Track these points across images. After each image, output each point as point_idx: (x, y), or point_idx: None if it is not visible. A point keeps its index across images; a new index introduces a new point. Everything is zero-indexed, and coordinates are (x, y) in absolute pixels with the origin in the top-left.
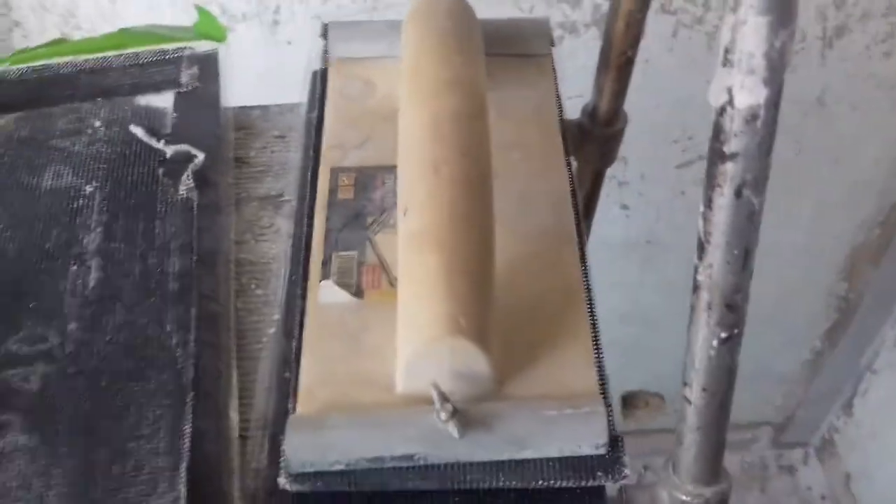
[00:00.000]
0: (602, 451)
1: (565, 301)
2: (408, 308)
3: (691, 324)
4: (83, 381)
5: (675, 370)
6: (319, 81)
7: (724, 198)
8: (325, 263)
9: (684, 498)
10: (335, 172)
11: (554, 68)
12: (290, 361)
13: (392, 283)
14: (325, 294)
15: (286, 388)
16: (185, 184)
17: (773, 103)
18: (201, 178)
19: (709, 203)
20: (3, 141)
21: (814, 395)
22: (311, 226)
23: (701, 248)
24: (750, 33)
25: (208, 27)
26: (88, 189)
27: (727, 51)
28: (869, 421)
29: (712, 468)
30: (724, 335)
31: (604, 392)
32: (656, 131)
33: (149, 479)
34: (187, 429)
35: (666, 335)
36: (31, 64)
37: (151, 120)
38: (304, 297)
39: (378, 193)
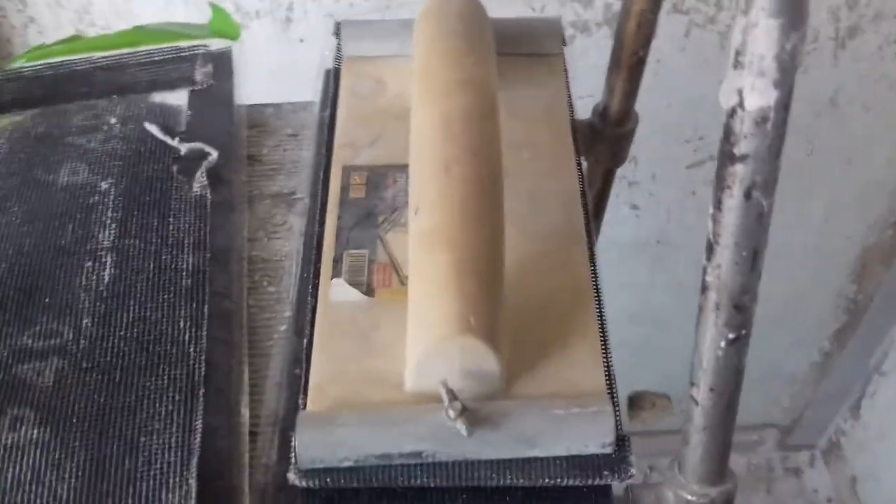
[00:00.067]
0: (609, 450)
1: (574, 301)
2: (418, 307)
3: (699, 324)
4: (96, 376)
5: (684, 371)
6: (332, 80)
7: (733, 199)
8: (337, 262)
9: (690, 497)
10: (347, 171)
11: (565, 68)
12: (300, 358)
13: (403, 281)
14: (337, 292)
15: (297, 385)
16: (199, 181)
17: (784, 105)
18: (215, 175)
19: (718, 204)
20: (19, 137)
21: (821, 397)
22: (322, 224)
23: (710, 249)
24: (761, 35)
25: (222, 25)
26: (104, 185)
27: (738, 53)
28: (876, 423)
29: (718, 468)
30: (731, 336)
31: (611, 391)
32: (667, 131)
33: (160, 473)
34: (198, 424)
35: (675, 336)
36: (47, 60)
37: (166, 117)
38: (315, 295)
39: (389, 192)
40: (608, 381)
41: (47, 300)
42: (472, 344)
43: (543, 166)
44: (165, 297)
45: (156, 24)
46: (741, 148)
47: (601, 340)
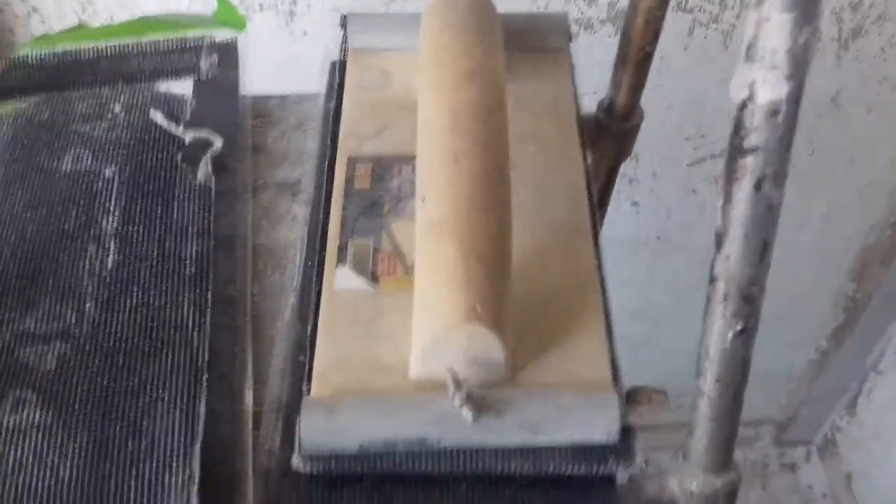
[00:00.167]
0: (614, 439)
1: (579, 292)
2: (425, 295)
3: (707, 315)
4: (99, 360)
5: (681, 367)
6: (338, 72)
7: (743, 191)
8: (341, 250)
9: (694, 487)
10: (352, 162)
11: (571, 63)
12: (304, 345)
13: (407, 270)
14: (341, 280)
15: (300, 372)
16: (204, 170)
17: (795, 99)
18: (219, 164)
19: (728, 196)
20: (23, 124)
21: (817, 394)
22: (327, 213)
23: (719, 240)
24: (773, 30)
25: (227, 15)
26: (108, 173)
27: (750, 46)
28: (872, 421)
29: (723, 458)
30: (739, 327)
31: (616, 381)
32: (669, 129)
33: (163, 456)
34: (202, 409)
35: (673, 332)
36: (51, 49)
37: (171, 106)
38: (319, 282)
39: (394, 183)
40: (613, 371)
41: (50, 285)
42: (478, 332)
43: (549, 160)
44: (169, 283)
45: (160, 14)
46: (751, 140)
47: (606, 331)
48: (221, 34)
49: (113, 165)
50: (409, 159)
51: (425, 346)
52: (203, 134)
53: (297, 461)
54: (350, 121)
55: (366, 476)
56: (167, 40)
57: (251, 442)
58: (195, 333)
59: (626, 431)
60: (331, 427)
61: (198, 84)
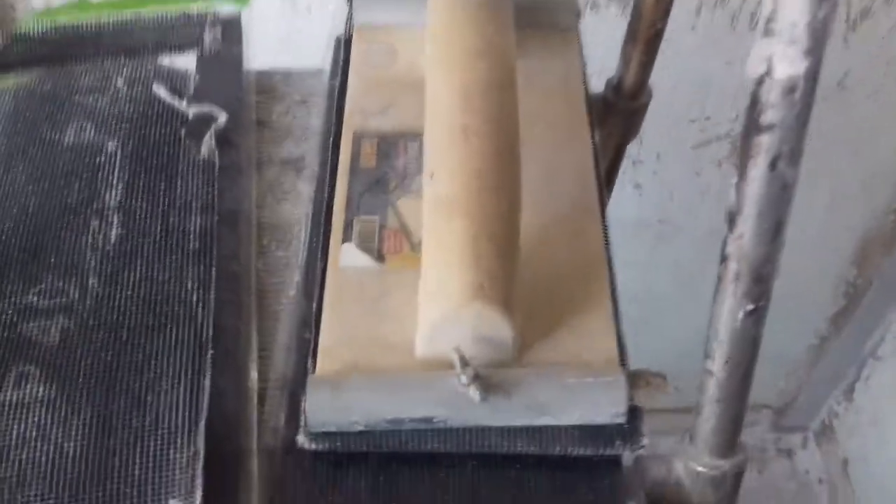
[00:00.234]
0: (621, 420)
1: (587, 271)
2: (432, 272)
3: (717, 294)
4: (103, 335)
5: (680, 350)
6: (343, 48)
7: (758, 169)
8: (347, 227)
9: (701, 469)
10: (357, 139)
11: (580, 41)
12: (309, 322)
13: (414, 248)
14: (347, 257)
15: (306, 349)
16: (207, 144)
17: (813, 75)
18: (223, 139)
19: (742, 174)
20: (25, 97)
21: (815, 380)
22: (332, 190)
23: (731, 219)
24: (793, 3)
25: None
26: (111, 146)
27: (769, 20)
28: (870, 407)
29: (730, 440)
30: (750, 307)
31: (623, 362)
32: (674, 111)
33: (167, 432)
34: (206, 384)
35: (672, 315)
36: (53, 22)
37: (174, 80)
38: (324, 259)
39: (400, 161)
40: (620, 352)
41: (53, 259)
42: (486, 311)
43: (558, 139)
44: (173, 258)
45: None
46: (768, 117)
47: (613, 311)
48: (225, 8)
49: (116, 139)
50: (416, 136)
51: (433, 325)
52: (207, 108)
53: (302, 439)
54: (356, 97)
55: (371, 454)
56: (170, 14)
57: (256, 419)
58: (199, 309)
59: (633, 412)
60: (336, 405)
61: (201, 58)
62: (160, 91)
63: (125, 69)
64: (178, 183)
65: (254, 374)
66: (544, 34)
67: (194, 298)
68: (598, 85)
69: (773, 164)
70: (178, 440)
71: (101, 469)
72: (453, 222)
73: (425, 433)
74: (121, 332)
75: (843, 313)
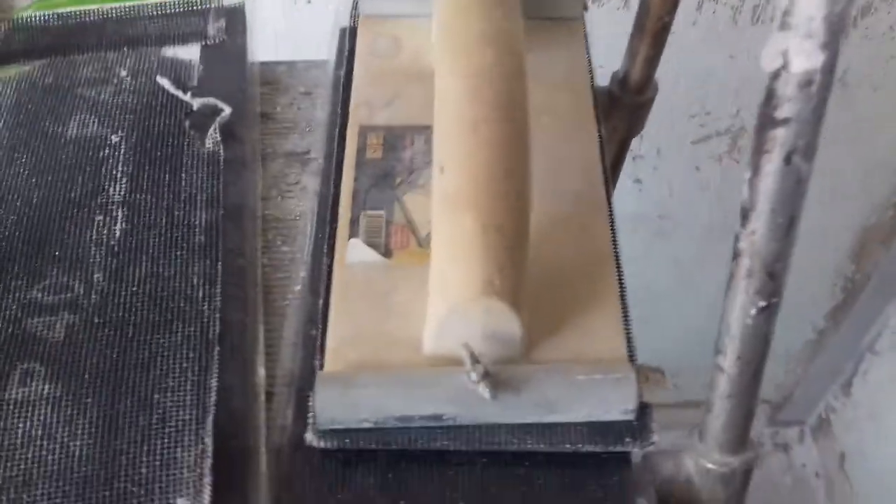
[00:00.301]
0: (630, 416)
1: (594, 266)
2: (441, 268)
3: (729, 290)
4: (108, 332)
5: (678, 345)
6: (348, 38)
7: (772, 164)
8: (354, 222)
9: (711, 466)
10: (363, 131)
11: (585, 32)
12: (316, 319)
13: (421, 243)
14: (354, 253)
15: (313, 346)
16: (212, 137)
17: (829, 69)
18: (228, 132)
19: (756, 169)
20: (27, 88)
21: (813, 375)
22: (338, 184)
23: (744, 215)
24: None
25: None
26: (114, 139)
27: (786, 13)
28: (867, 402)
29: (740, 437)
30: (762, 304)
31: (632, 358)
32: (674, 106)
33: (174, 431)
34: (213, 382)
35: (670, 310)
36: (55, 11)
37: (178, 72)
38: (331, 255)
39: (407, 153)
40: (629, 348)
41: (57, 254)
42: (496, 307)
43: (564, 131)
44: (178, 253)
45: None
46: (783, 111)
47: (621, 307)
48: None
49: (119, 131)
50: (422, 129)
51: (441, 320)
52: (211, 100)
53: (310, 436)
54: (361, 89)
55: (380, 452)
56: (173, 3)
57: (264, 416)
58: (206, 305)
59: (643, 409)
60: (345, 402)
61: (205, 49)
62: (164, 82)
63: (128, 59)
64: (183, 176)
65: (261, 371)
66: (550, 24)
67: (200, 294)
68: (599, 77)
69: (787, 159)
70: (186, 439)
71: (108, 468)
72: (461, 216)
73: (434, 430)
74: (126, 328)
75: (842, 308)
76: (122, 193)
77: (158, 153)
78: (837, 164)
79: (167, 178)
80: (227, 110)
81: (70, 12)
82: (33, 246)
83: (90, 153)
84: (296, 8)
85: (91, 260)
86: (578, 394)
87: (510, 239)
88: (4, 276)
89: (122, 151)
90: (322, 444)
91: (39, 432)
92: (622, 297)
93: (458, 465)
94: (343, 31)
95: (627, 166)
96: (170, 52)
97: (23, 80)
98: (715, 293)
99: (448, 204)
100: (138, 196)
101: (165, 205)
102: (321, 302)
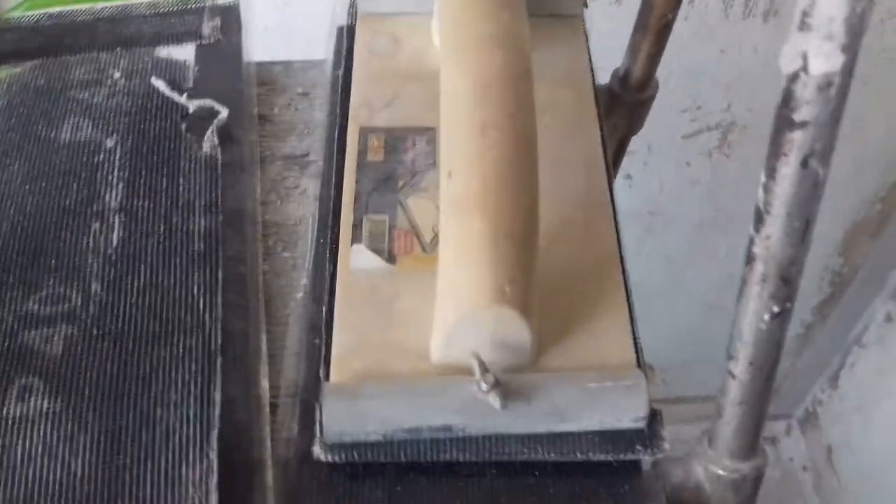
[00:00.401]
0: (641, 424)
1: (600, 269)
2: (450, 275)
3: (741, 296)
4: (107, 344)
5: (668, 342)
6: (346, 37)
7: (789, 167)
8: (356, 227)
9: (720, 472)
10: (364, 133)
11: (586, 29)
12: (319, 328)
13: (425, 248)
14: (357, 259)
15: (317, 355)
16: (210, 140)
17: (849, 70)
18: (225, 134)
19: (772, 173)
20: (18, 90)
21: (800, 368)
22: (340, 187)
23: (759, 219)
24: None
25: None
26: (109, 143)
27: (805, 14)
28: (854, 394)
29: (751, 443)
30: (776, 309)
31: (640, 363)
32: (665, 100)
33: (179, 447)
34: (217, 395)
35: (660, 307)
36: (46, 10)
37: (172, 72)
38: (333, 261)
39: (409, 155)
40: (637, 353)
41: (53, 263)
42: (507, 315)
43: (567, 129)
44: (177, 261)
45: None
46: (801, 114)
47: (628, 310)
48: None
49: (114, 135)
50: (424, 131)
51: (450, 329)
52: (208, 102)
53: (318, 450)
54: (361, 89)
55: (388, 465)
56: (167, 2)
57: (269, 429)
58: (207, 315)
59: (653, 416)
60: (353, 415)
61: (200, 49)
62: (159, 84)
63: (122, 60)
64: (180, 181)
65: (265, 383)
66: (550, 21)
67: (201, 304)
68: (597, 76)
69: (804, 162)
70: (191, 455)
71: (111, 487)
72: (470, 222)
73: (443, 441)
74: (126, 341)
75: (829, 302)
76: (119, 200)
77: (155, 157)
78: None
79: (164, 184)
80: (224, 112)
81: (61, 12)
82: (28, 256)
83: (85, 158)
84: (284, 6)
85: (88, 269)
86: (590, 402)
87: (521, 245)
88: (0, 287)
89: (118, 156)
90: (330, 458)
91: (39, 450)
92: (629, 299)
93: (468, 477)
94: (341, 29)
95: None
96: (164, 52)
97: (14, 83)
98: (705, 289)
99: (456, 209)
100: (135, 202)
101: (163, 211)
102: (324, 309)
